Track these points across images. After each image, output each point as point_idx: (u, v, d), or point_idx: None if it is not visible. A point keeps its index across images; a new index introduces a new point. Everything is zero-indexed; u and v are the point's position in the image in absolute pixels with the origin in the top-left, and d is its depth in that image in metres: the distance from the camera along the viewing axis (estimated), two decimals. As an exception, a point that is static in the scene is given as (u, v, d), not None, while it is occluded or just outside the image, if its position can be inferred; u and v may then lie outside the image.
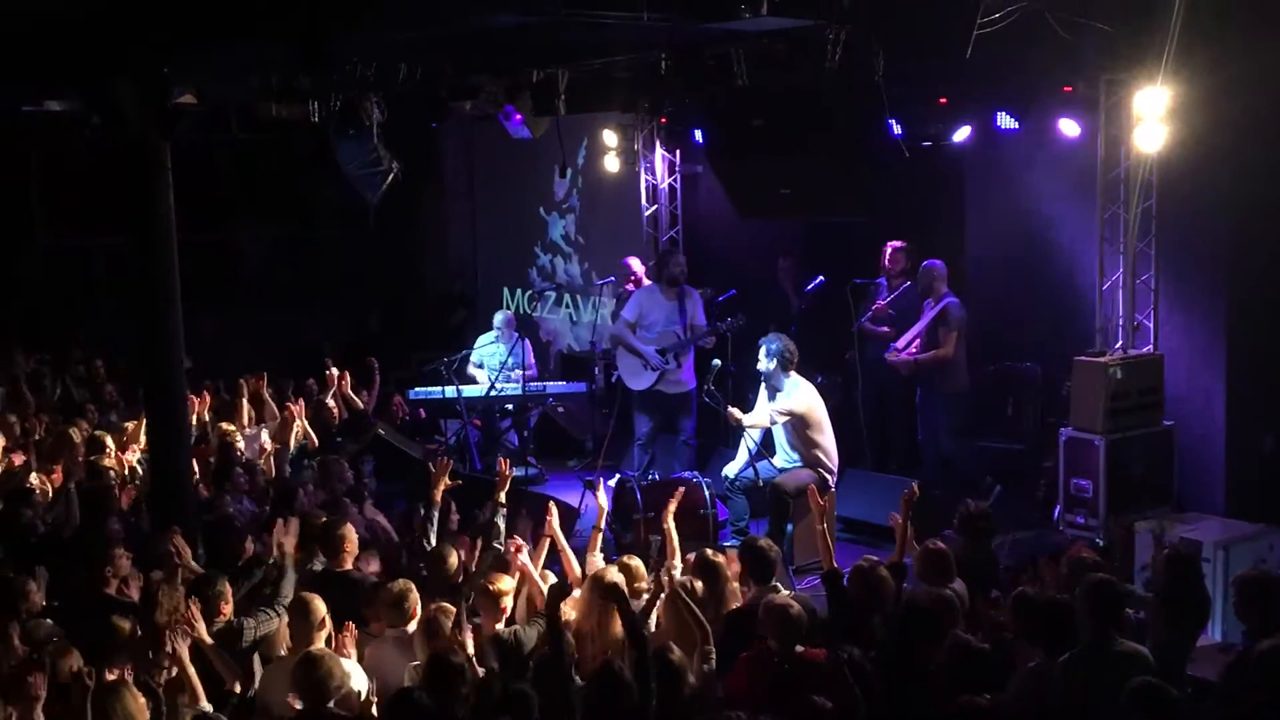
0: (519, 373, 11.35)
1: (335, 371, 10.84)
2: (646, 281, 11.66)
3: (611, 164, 12.25)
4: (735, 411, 8.91)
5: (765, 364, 8.83)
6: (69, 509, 7.87)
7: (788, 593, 6.23)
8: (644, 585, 6.28)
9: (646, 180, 12.45)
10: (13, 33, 7.89)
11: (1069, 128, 8.87)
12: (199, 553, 7.15)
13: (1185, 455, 8.76)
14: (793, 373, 8.85)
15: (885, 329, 10.24)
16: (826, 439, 8.88)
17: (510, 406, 11.48)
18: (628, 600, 5.65)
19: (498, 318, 11.83)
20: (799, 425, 8.79)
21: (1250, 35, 8.12)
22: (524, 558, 6.27)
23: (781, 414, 8.77)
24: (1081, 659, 5.28)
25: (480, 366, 11.61)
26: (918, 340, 9.93)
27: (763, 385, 8.97)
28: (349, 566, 6.75)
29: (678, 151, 12.20)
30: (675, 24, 7.66)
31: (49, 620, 6.21)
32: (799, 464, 8.82)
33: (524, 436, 11.55)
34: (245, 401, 10.27)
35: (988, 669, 5.36)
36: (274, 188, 13.76)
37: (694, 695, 5.26)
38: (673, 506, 6.97)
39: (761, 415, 8.90)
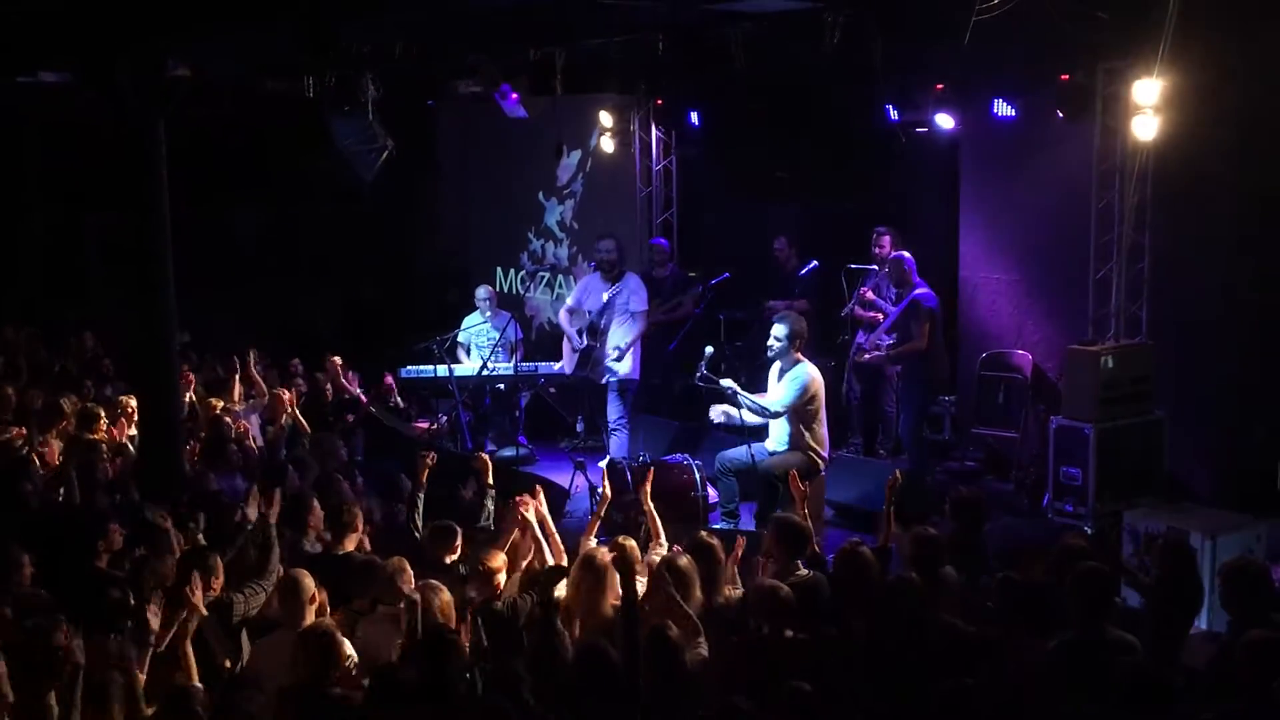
0: (512, 357, 11.33)
1: (338, 360, 10.92)
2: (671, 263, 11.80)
3: (606, 146, 12.24)
4: (728, 382, 8.83)
5: (778, 344, 8.80)
6: (69, 487, 7.85)
7: (805, 573, 6.21)
8: (639, 566, 6.29)
9: (641, 162, 12.44)
10: (10, 6, 7.87)
11: (1066, 116, 8.88)
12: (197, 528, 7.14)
13: (1175, 444, 8.80)
14: (800, 355, 8.86)
15: (875, 315, 10.29)
16: (821, 424, 8.88)
17: (502, 387, 11.46)
18: (633, 573, 5.65)
19: (480, 292, 11.80)
20: (801, 407, 8.76)
21: (1248, 25, 8.13)
22: (531, 516, 6.36)
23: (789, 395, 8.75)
24: (1070, 647, 5.30)
25: (468, 347, 11.59)
26: (893, 333, 10.00)
27: (775, 365, 8.91)
28: (350, 548, 6.76)
29: (673, 134, 12.18)
30: (675, 5, 7.67)
31: (43, 592, 6.21)
32: (790, 447, 8.81)
33: (514, 417, 11.54)
34: (236, 378, 10.28)
35: (974, 654, 5.38)
36: (269, 164, 13.71)
37: (692, 677, 5.24)
38: (648, 488, 6.94)
39: (774, 395, 8.83)
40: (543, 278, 13.52)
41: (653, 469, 7.20)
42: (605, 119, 12.06)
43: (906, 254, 10.00)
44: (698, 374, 8.96)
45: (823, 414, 8.86)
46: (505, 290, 13.78)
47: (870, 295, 10.31)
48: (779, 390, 8.73)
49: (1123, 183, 8.95)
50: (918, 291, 9.85)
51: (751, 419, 8.68)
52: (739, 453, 8.93)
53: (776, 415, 8.66)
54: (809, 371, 8.73)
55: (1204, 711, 4.91)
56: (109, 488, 8.08)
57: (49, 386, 10.57)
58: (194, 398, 10.01)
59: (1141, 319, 9.09)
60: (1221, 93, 8.42)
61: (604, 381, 10.27)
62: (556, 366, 11.44)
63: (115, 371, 11.14)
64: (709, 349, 9.12)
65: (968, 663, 5.17)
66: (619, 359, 10.31)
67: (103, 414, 9.24)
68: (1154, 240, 9.00)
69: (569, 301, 10.72)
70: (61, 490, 7.87)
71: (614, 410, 10.18)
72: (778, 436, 8.83)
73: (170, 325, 8.49)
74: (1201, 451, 8.84)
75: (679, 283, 11.58)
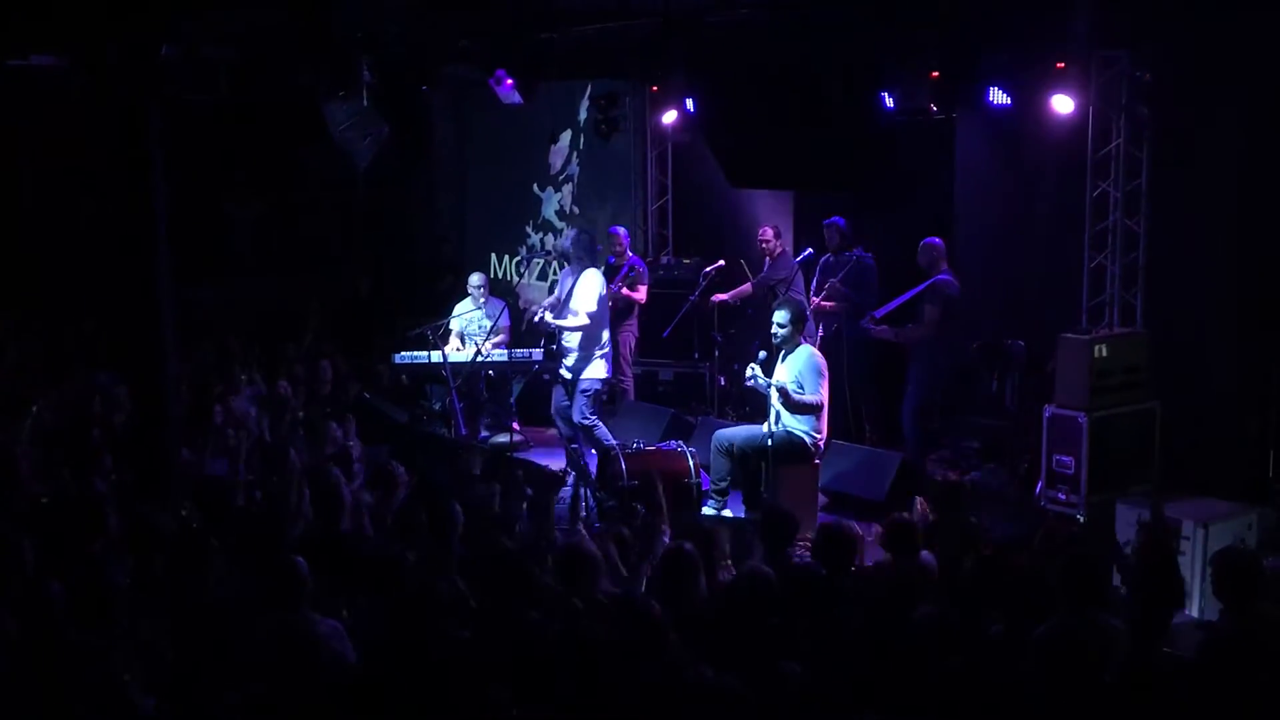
0: (498, 338, 11.30)
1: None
2: (630, 252, 11.74)
3: (602, 132, 12.18)
4: (774, 381, 8.87)
5: (782, 330, 8.85)
6: (63, 473, 7.86)
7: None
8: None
9: (637, 149, 12.41)
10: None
11: (1062, 104, 8.86)
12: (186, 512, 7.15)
13: (1169, 433, 8.82)
14: (802, 339, 8.91)
15: (831, 304, 10.27)
16: (823, 409, 8.94)
17: (491, 373, 11.45)
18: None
19: (474, 279, 11.78)
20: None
21: (1246, 11, 8.13)
22: None
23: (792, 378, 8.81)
24: (1056, 634, 5.31)
25: (461, 334, 11.59)
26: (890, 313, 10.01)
27: (783, 350, 8.96)
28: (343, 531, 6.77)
29: (669, 120, 12.13)
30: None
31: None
32: (784, 429, 8.84)
33: (508, 403, 11.54)
34: (236, 366, 10.30)
35: (960, 640, 5.39)
36: (263, 152, 13.67)
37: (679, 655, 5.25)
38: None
39: (779, 377, 8.90)
40: (537, 264, 13.51)
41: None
42: (601, 105, 12.02)
43: (938, 240, 9.96)
44: (748, 377, 8.93)
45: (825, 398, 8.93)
46: (500, 277, 13.76)
47: (841, 288, 10.24)
48: (783, 373, 8.82)
49: (1118, 171, 8.96)
50: (939, 276, 9.84)
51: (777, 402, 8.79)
52: (739, 432, 9.01)
53: (811, 405, 8.74)
54: (818, 356, 8.87)
55: (1192, 701, 4.93)
56: (105, 474, 8.09)
57: (38, 372, 10.57)
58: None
59: (1136, 308, 9.11)
60: (1218, 79, 8.42)
61: (575, 378, 9.94)
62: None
63: (108, 357, 11.12)
64: (762, 353, 9.06)
65: (948, 647, 5.18)
66: (567, 356, 9.99)
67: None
68: (1149, 228, 9.02)
69: (548, 298, 10.50)
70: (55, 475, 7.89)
71: (575, 411, 9.93)
72: (783, 417, 8.86)
73: (165, 312, 8.47)
74: (1194, 440, 8.86)
75: (631, 270, 11.52)
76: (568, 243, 10.07)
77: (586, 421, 9.82)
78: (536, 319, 10.03)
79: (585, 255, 9.94)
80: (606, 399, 10.43)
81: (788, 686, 4.75)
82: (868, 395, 10.65)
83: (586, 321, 9.71)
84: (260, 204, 15.07)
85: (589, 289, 9.76)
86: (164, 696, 5.08)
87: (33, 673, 5.04)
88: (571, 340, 9.85)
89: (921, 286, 9.86)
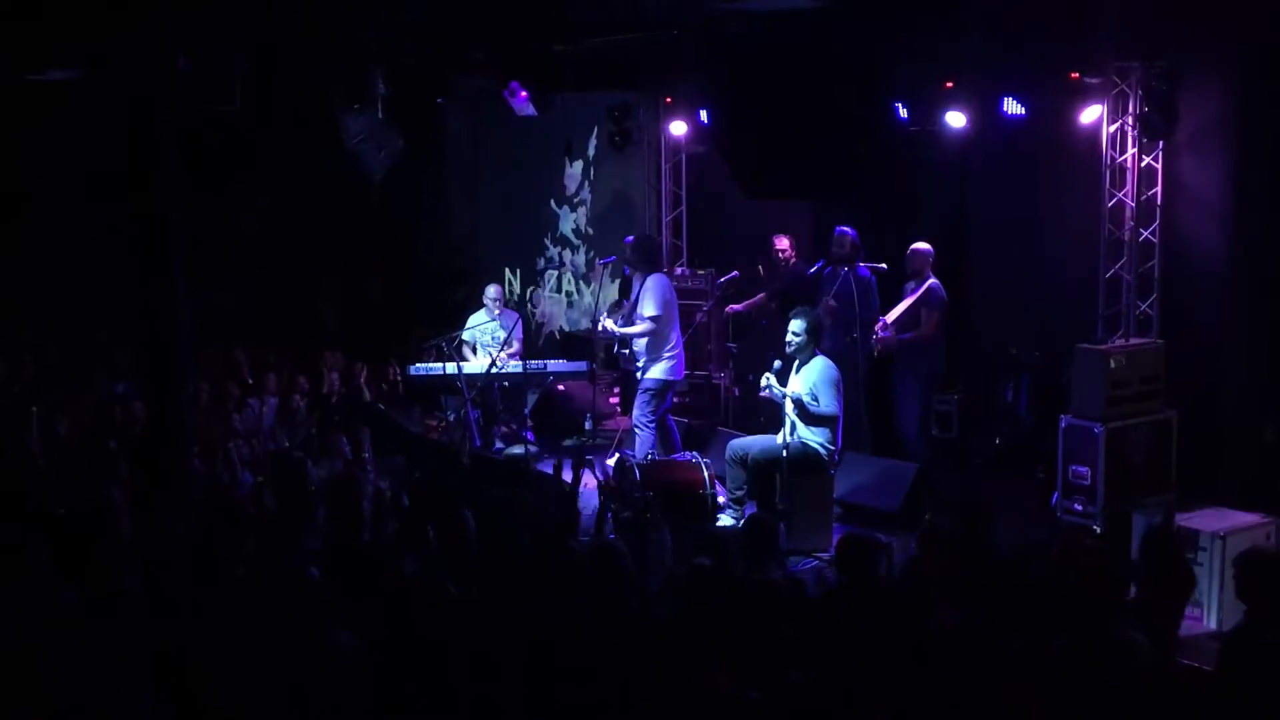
0: (512, 349, 11.31)
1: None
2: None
3: (616, 144, 12.20)
4: (789, 391, 8.87)
5: (796, 339, 8.84)
6: (81, 480, 7.87)
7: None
8: None
9: (651, 160, 12.41)
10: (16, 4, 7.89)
11: (1089, 114, 8.85)
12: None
13: (1186, 444, 8.77)
14: (817, 350, 8.91)
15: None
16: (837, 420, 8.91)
17: (507, 384, 11.45)
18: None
19: (489, 291, 11.80)
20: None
21: (1258, 20, 8.12)
22: None
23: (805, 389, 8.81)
24: (1074, 646, 5.27)
25: (473, 345, 11.60)
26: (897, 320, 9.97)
27: (796, 361, 8.95)
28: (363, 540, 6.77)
29: (683, 131, 12.13)
30: (685, 2, 7.67)
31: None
32: (799, 440, 8.82)
33: (522, 415, 11.54)
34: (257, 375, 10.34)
35: (977, 649, 5.35)
36: (277, 157, 13.71)
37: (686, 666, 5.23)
38: None
39: (793, 387, 8.89)
40: (552, 275, 13.50)
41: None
42: (614, 117, 12.03)
43: (927, 246, 9.95)
44: (763, 386, 8.93)
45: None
46: (511, 292, 13.76)
47: (834, 304, 10.17)
48: (797, 384, 8.81)
49: (1133, 181, 8.94)
50: (931, 281, 9.84)
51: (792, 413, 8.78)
52: (754, 442, 9.03)
53: (826, 417, 8.74)
54: (833, 368, 8.84)
55: (1216, 706, 4.87)
56: (121, 482, 8.09)
57: (57, 383, 10.60)
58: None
59: (1152, 318, 9.08)
60: (1233, 88, 8.40)
61: (640, 379, 10.13)
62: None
63: (125, 368, 11.16)
64: (777, 363, 9.03)
65: (964, 655, 5.14)
66: (638, 359, 10.19)
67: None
68: (1164, 238, 8.99)
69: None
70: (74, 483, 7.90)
71: (635, 410, 10.11)
72: (798, 428, 8.84)
73: (178, 318, 8.47)
74: (1211, 451, 8.82)
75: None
76: (630, 251, 10.20)
77: (641, 421, 9.92)
78: (600, 328, 10.16)
79: (645, 261, 10.12)
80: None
81: (796, 694, 4.72)
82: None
83: (651, 326, 9.86)
84: (273, 211, 15.10)
85: (650, 294, 9.92)
86: (172, 702, 5.06)
87: (43, 678, 5.03)
88: (641, 344, 10.01)
89: (918, 292, 9.85)
